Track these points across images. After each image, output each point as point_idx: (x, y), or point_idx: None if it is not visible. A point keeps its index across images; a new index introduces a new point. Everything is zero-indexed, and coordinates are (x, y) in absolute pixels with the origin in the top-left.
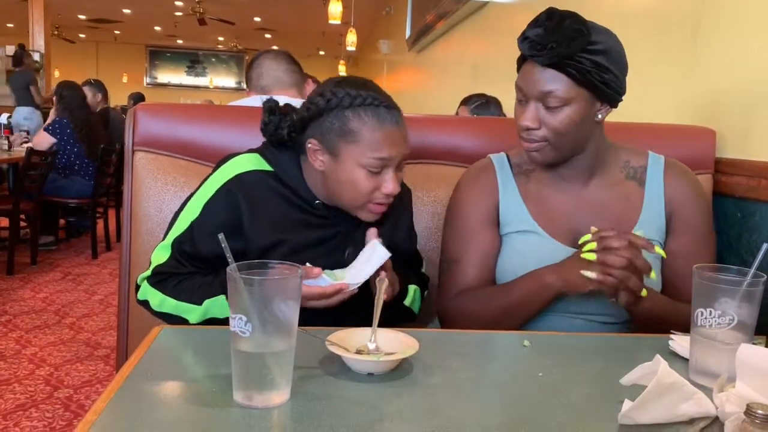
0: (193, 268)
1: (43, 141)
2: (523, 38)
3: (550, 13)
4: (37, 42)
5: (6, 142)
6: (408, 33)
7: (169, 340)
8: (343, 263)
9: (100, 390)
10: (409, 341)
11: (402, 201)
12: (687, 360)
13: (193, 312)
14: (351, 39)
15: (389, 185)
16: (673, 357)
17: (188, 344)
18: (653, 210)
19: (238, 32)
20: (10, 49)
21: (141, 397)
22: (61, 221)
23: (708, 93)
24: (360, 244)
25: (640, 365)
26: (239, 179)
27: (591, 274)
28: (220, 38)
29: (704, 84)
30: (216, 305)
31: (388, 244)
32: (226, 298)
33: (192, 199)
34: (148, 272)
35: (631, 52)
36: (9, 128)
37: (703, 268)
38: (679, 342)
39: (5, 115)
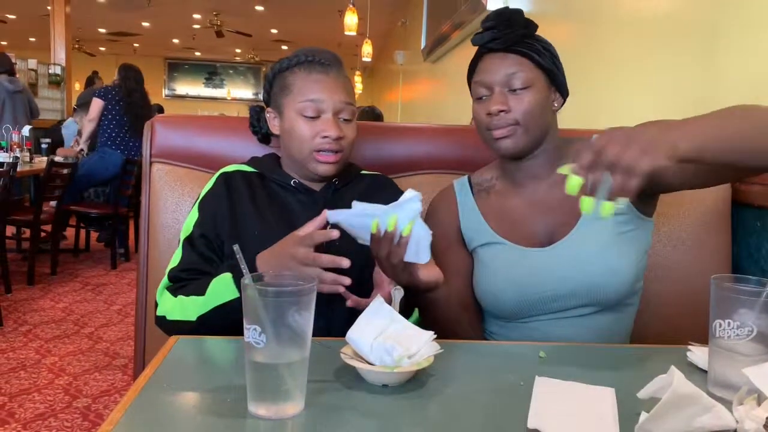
0: (206, 260)
1: (94, 106)
2: (479, 33)
3: (499, 11)
4: (59, 56)
5: (28, 154)
6: (423, 43)
7: (184, 350)
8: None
9: (119, 399)
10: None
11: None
12: (705, 372)
13: (194, 304)
14: (367, 50)
15: (327, 127)
16: (692, 369)
17: (203, 354)
18: None
19: (255, 44)
20: (32, 63)
21: (156, 407)
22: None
23: (725, 100)
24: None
25: (658, 377)
26: (224, 176)
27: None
28: (238, 50)
29: (721, 91)
30: (220, 284)
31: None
32: (233, 277)
33: (191, 208)
34: (165, 280)
35: (648, 59)
36: (31, 140)
37: (721, 279)
38: (698, 353)
39: (27, 128)
